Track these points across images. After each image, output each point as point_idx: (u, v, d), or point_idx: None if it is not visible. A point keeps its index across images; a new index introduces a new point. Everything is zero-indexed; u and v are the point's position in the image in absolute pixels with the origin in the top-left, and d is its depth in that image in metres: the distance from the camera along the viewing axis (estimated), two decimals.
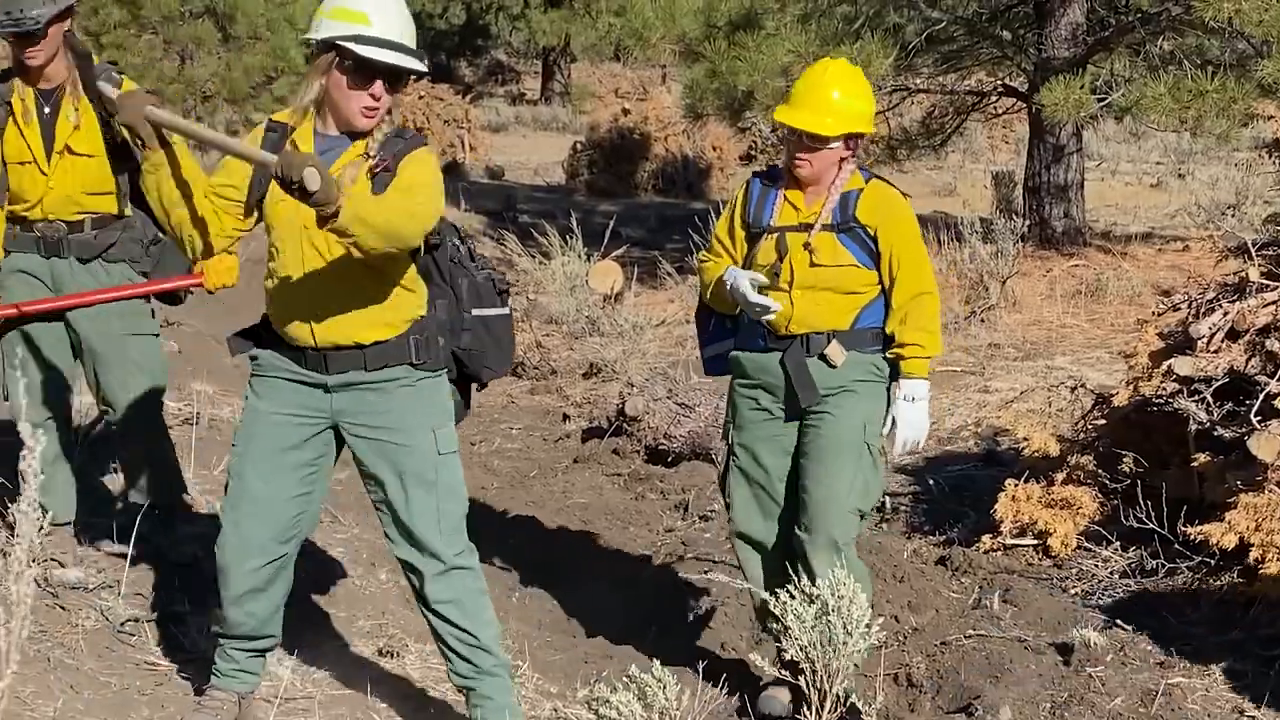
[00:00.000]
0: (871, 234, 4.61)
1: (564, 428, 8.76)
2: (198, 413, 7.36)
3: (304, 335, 3.95)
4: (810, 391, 4.63)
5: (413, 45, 3.89)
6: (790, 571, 4.84)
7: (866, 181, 4.68)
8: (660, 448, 7.86)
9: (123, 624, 4.75)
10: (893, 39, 13.42)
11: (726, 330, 4.92)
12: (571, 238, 12.45)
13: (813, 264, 4.60)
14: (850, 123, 4.56)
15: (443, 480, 4.07)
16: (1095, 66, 13.98)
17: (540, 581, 6.09)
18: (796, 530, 4.72)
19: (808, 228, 4.61)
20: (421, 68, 3.88)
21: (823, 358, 4.63)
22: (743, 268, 4.70)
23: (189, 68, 21.38)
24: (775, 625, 4.40)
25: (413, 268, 4.01)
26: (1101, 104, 12.94)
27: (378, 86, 3.85)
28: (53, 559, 5.02)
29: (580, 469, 7.84)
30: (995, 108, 16.64)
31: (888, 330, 4.66)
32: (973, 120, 17.47)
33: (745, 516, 4.87)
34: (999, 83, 15.57)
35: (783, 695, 4.86)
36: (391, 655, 4.91)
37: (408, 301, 4.01)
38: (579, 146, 22.76)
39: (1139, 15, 13.50)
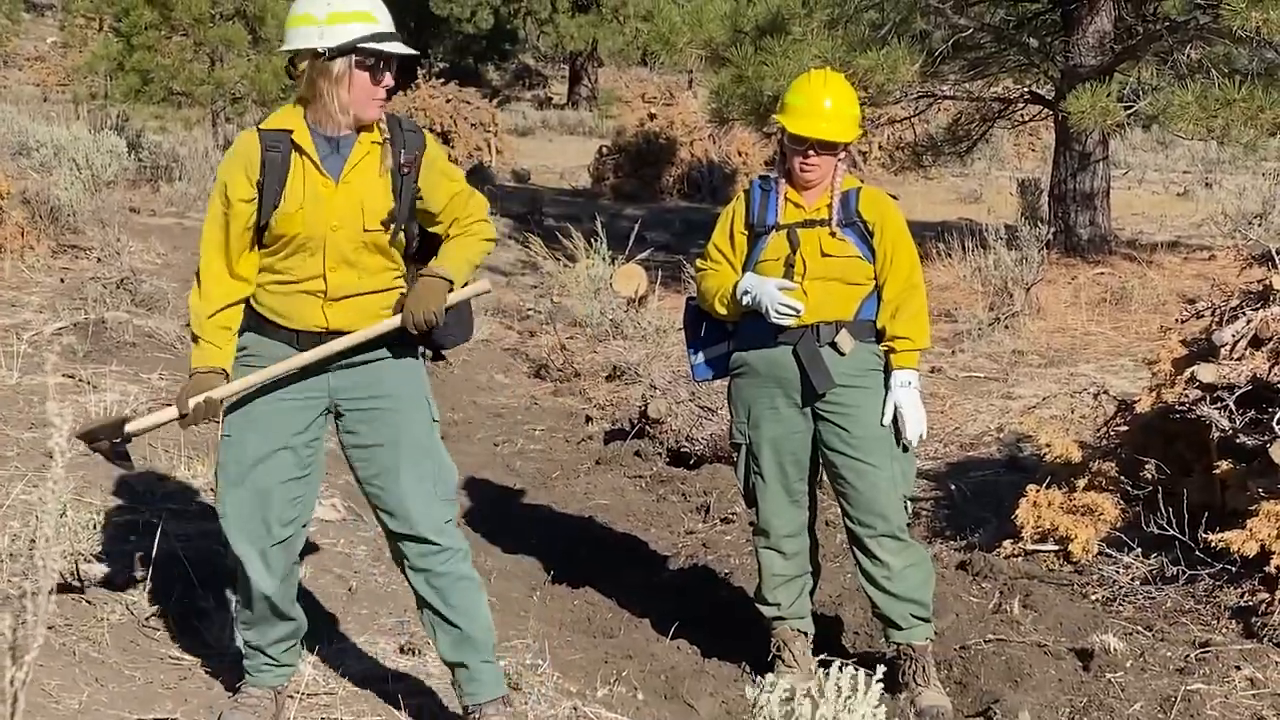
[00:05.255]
0: (871, 229, 4.87)
1: (586, 429, 8.79)
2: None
3: (316, 319, 4.02)
4: (825, 378, 4.81)
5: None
6: (813, 567, 5.13)
7: (861, 182, 5.00)
8: (682, 450, 7.89)
9: (147, 618, 4.79)
10: (919, 45, 13.44)
11: (721, 333, 5.10)
12: (596, 241, 12.49)
13: (823, 254, 4.83)
14: (854, 128, 4.88)
15: (435, 447, 4.17)
16: (1122, 74, 13.99)
17: (561, 581, 6.11)
18: (851, 525, 4.94)
19: (814, 223, 4.86)
20: (413, 50, 4.08)
21: (833, 345, 4.84)
22: (746, 266, 4.92)
23: (219, 69, 21.51)
24: (772, 611, 5.07)
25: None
26: (1128, 112, 12.93)
27: (388, 77, 3.99)
28: (79, 553, 5.05)
29: (602, 471, 7.86)
30: (1021, 115, 16.63)
31: (879, 324, 4.88)
32: (999, 127, 17.51)
33: (772, 513, 5.02)
34: (1025, 90, 15.58)
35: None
36: (413, 653, 4.94)
37: (398, 283, 4.16)
38: (605, 151, 22.84)
39: (1167, 24, 13.48)
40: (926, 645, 4.96)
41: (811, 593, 5.19)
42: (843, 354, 4.83)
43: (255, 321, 4.07)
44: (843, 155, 4.89)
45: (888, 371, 4.87)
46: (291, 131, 3.99)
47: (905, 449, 4.89)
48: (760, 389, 4.95)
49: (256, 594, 4.14)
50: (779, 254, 4.85)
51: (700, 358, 5.17)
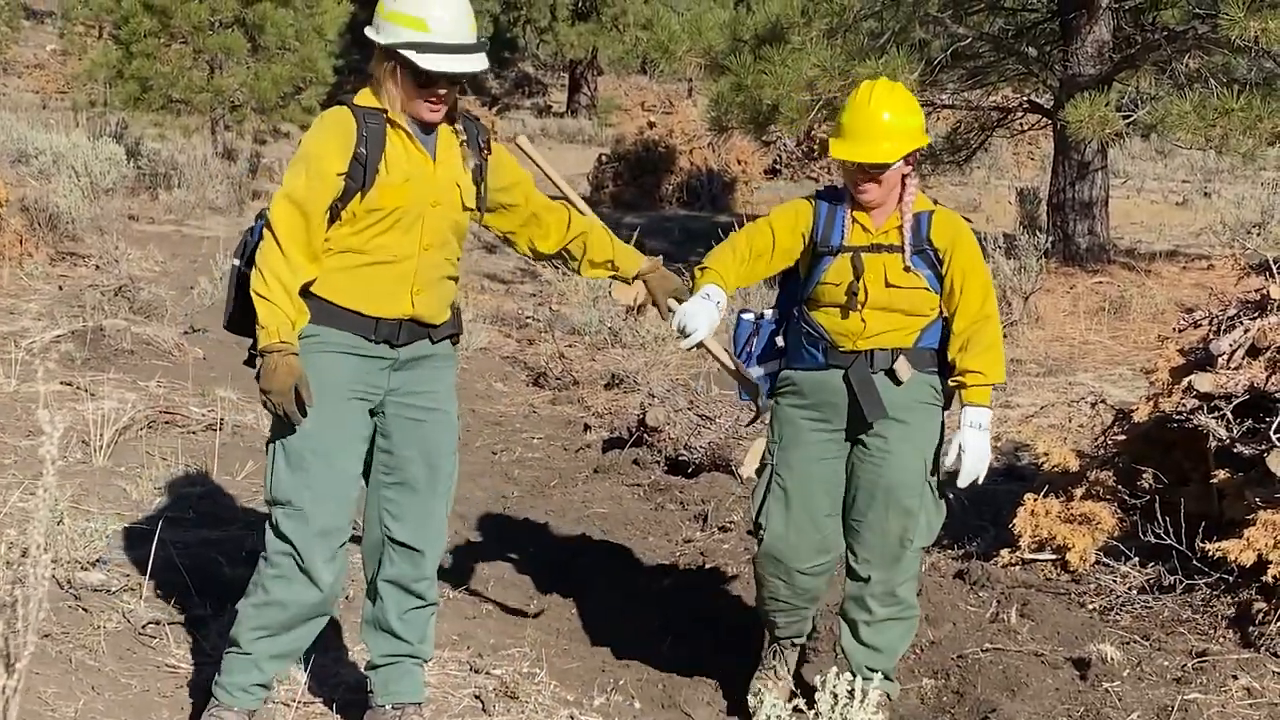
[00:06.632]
0: (941, 257, 4.53)
1: (585, 438, 8.79)
2: (221, 418, 7.41)
3: (401, 305, 4.00)
4: (877, 406, 4.50)
5: (471, 38, 3.94)
6: (809, 598, 4.83)
7: (935, 204, 4.62)
8: (680, 459, 7.89)
9: (144, 626, 4.79)
10: (918, 54, 13.45)
11: (775, 351, 4.80)
12: None
13: (888, 284, 4.50)
14: (907, 142, 4.46)
15: (455, 464, 4.23)
16: (1121, 84, 14.01)
17: (559, 590, 6.11)
18: (854, 564, 4.67)
19: (880, 248, 4.52)
20: (477, 67, 3.95)
21: (890, 373, 4.53)
22: (806, 287, 4.62)
23: (218, 77, 21.53)
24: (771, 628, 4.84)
25: None
26: (1127, 121, 12.95)
27: (441, 89, 3.93)
28: (76, 561, 5.06)
29: (601, 479, 7.86)
30: (1020, 124, 16.66)
31: (949, 357, 4.55)
32: (998, 136, 17.50)
33: (782, 537, 4.70)
34: (1024, 99, 15.59)
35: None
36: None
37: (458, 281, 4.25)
38: (604, 159, 22.83)
39: (1165, 33, 13.52)
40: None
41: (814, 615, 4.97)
42: (899, 383, 4.52)
43: (320, 310, 3.96)
44: (909, 171, 4.52)
45: (946, 405, 4.60)
46: (385, 110, 3.96)
47: (940, 498, 4.63)
48: (804, 411, 4.65)
49: (305, 599, 4.01)
50: (841, 279, 4.51)
51: (759, 371, 4.81)
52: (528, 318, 12.48)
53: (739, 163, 22.09)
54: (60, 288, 11.28)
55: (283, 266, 3.85)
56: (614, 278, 4.44)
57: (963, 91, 15.31)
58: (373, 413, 4.10)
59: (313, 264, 3.92)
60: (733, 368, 4.66)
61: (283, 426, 3.96)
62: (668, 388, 8.44)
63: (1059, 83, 13.92)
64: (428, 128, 4.01)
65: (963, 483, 4.53)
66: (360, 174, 3.91)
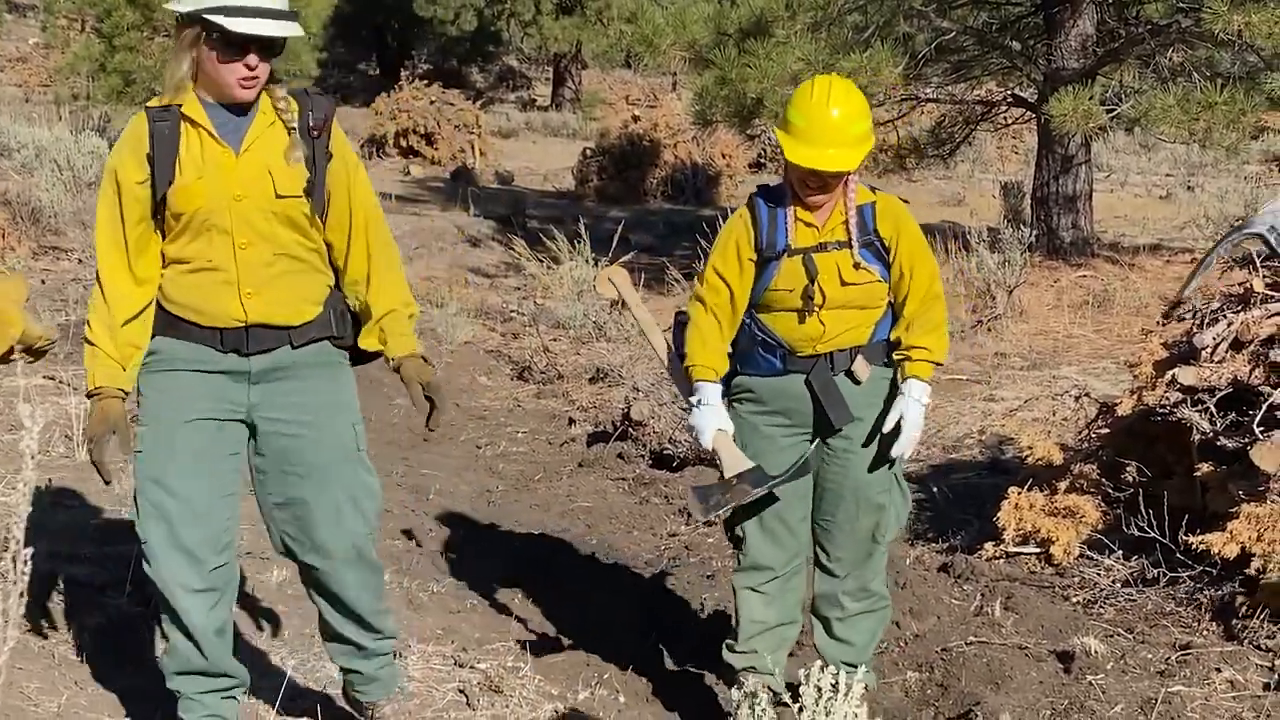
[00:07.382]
0: (888, 245, 4.41)
1: (569, 431, 8.79)
2: None
3: (232, 310, 3.72)
4: (843, 411, 4.43)
5: (280, 5, 3.62)
6: (788, 606, 4.71)
7: (873, 192, 4.47)
8: (665, 452, 7.89)
9: (128, 621, 4.78)
10: (902, 48, 13.45)
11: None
12: (580, 243, 12.50)
13: (843, 283, 4.38)
14: (864, 147, 4.28)
15: (355, 472, 3.92)
16: (1105, 78, 14.02)
17: (543, 583, 6.10)
18: (829, 568, 4.65)
19: (827, 246, 4.37)
20: (290, 32, 3.62)
21: (849, 374, 4.46)
22: (755, 294, 4.47)
23: None
24: (743, 661, 4.64)
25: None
26: (1110, 115, 12.97)
27: (252, 57, 3.61)
28: (59, 555, 5.04)
29: (585, 473, 7.86)
30: (1004, 118, 16.66)
31: (893, 335, 4.48)
32: (982, 130, 17.51)
33: (760, 548, 4.61)
34: (1008, 93, 15.61)
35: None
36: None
37: (327, 275, 3.89)
38: (589, 153, 22.80)
39: (1149, 27, 13.54)
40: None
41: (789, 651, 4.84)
42: (858, 383, 4.45)
43: (166, 323, 3.74)
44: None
45: (894, 388, 4.48)
46: (180, 105, 3.66)
47: (904, 493, 4.61)
48: (761, 417, 4.54)
49: (187, 640, 3.81)
50: (794, 284, 4.37)
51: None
52: (512, 312, 12.47)
53: (723, 156, 22.09)
54: (43, 281, 11.24)
55: (102, 305, 3.68)
56: (383, 347, 3.94)
57: (947, 85, 15.31)
58: (250, 428, 3.84)
59: (141, 287, 3.71)
60: (726, 478, 4.49)
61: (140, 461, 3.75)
62: (652, 382, 8.44)
63: (1043, 76, 13.93)
64: (237, 110, 3.69)
65: (896, 453, 4.46)
66: (154, 179, 3.66)
